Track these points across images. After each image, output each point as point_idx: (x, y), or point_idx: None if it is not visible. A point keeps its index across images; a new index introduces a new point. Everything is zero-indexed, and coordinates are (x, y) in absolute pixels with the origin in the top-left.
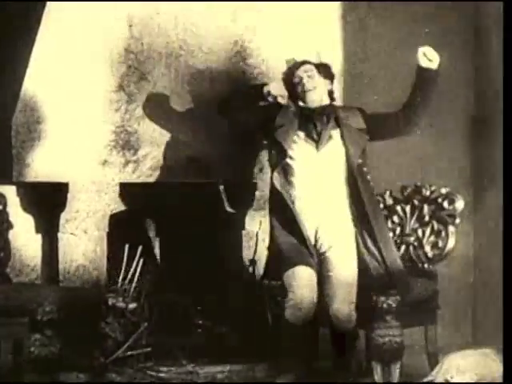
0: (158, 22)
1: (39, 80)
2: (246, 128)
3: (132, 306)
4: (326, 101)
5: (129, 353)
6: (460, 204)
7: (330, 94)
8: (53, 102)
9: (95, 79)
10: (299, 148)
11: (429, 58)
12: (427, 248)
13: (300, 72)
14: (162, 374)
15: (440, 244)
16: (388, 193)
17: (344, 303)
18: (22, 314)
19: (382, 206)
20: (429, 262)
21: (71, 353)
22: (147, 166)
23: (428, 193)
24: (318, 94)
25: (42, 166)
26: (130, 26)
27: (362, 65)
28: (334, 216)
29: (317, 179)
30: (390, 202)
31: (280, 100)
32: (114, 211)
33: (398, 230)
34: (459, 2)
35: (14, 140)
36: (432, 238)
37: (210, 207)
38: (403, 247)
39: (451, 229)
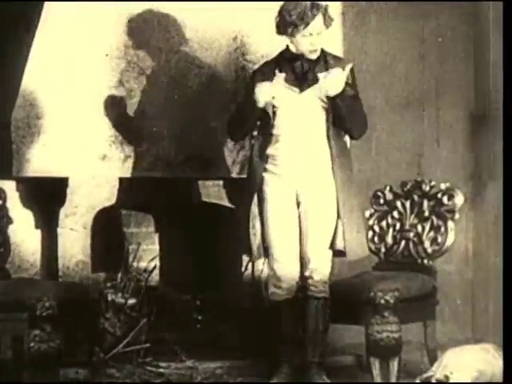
0: (157, 18)
1: (39, 75)
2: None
3: (131, 301)
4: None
5: (128, 348)
6: (459, 199)
7: None
8: (52, 98)
9: (95, 74)
10: (279, 94)
11: None
12: (426, 244)
13: (314, 26)
14: (161, 370)
15: (439, 239)
16: (388, 188)
17: (321, 265)
18: (21, 310)
19: (382, 201)
20: (428, 257)
21: (70, 348)
22: (147, 162)
23: (428, 188)
24: (316, 53)
25: (41, 161)
26: (130, 21)
27: (361, 61)
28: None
29: (299, 131)
30: (390, 197)
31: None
32: (112, 206)
33: (398, 225)
34: (459, 2)
35: (13, 135)
36: (431, 234)
37: (210, 203)
38: (403, 243)
39: (450, 224)
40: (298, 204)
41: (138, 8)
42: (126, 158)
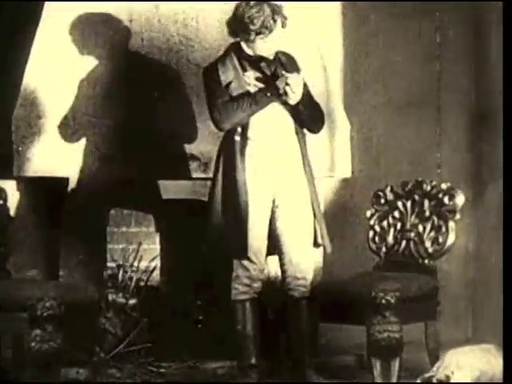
0: (158, 17)
1: (40, 75)
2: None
3: (132, 301)
4: None
5: (129, 348)
6: (460, 199)
7: None
8: (53, 97)
9: (95, 74)
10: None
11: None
12: (427, 244)
13: (276, 31)
14: (162, 370)
15: (440, 240)
16: (389, 188)
17: (304, 264)
18: (22, 310)
19: (382, 201)
20: (429, 257)
21: (71, 348)
22: (148, 162)
23: (429, 188)
24: (273, 54)
25: (42, 160)
26: (130, 21)
27: (361, 61)
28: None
29: (271, 131)
30: (390, 197)
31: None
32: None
33: (399, 225)
34: (459, 2)
35: (14, 135)
36: (432, 234)
37: None
38: (404, 243)
39: (451, 224)
40: (277, 206)
41: (139, 8)
42: (126, 158)
